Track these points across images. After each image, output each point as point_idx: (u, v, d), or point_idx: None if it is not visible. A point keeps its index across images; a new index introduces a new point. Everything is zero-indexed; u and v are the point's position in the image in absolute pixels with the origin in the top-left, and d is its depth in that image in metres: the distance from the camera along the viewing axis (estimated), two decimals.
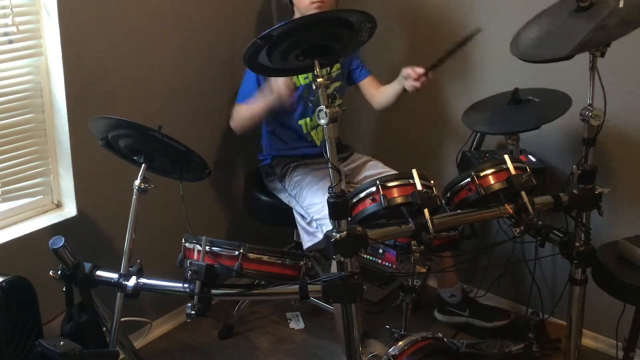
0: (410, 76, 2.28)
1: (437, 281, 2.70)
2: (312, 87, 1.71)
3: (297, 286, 1.72)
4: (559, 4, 1.98)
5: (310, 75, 2.34)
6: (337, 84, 2.54)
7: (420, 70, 2.26)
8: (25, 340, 1.89)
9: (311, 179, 2.42)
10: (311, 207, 2.33)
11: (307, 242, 2.35)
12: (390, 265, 2.96)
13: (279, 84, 2.22)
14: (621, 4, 1.76)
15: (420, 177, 1.73)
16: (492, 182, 1.81)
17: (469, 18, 2.60)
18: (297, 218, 2.42)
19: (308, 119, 2.49)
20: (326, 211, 1.65)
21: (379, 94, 2.54)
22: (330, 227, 1.66)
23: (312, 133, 2.52)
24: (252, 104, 2.36)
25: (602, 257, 2.05)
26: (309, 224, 2.35)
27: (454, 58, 2.67)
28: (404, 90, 2.36)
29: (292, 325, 2.72)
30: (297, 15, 2.40)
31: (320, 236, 2.27)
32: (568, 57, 1.77)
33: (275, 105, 2.29)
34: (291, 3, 2.40)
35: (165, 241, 2.36)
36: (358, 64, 2.60)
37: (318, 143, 2.52)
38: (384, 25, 2.76)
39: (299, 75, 2.43)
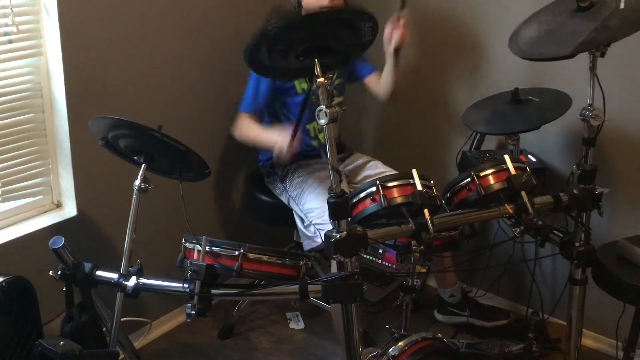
0: (387, 36, 2.30)
1: (436, 281, 2.70)
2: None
3: (297, 286, 1.72)
4: (557, 2, 1.98)
5: None
6: (337, 81, 2.53)
7: (393, 20, 2.27)
8: (25, 340, 1.88)
9: (312, 182, 2.40)
10: (310, 212, 2.32)
11: (306, 245, 2.35)
12: (390, 265, 2.96)
13: (283, 151, 2.14)
14: (622, 5, 1.76)
15: (420, 177, 1.73)
16: (492, 182, 1.81)
17: (470, 19, 2.60)
18: (297, 220, 2.40)
19: (316, 123, 2.47)
20: (326, 216, 1.64)
21: (380, 84, 2.52)
22: None
23: (320, 136, 2.51)
24: (262, 134, 2.34)
25: (602, 257, 2.04)
26: (307, 227, 2.34)
27: (455, 58, 2.70)
28: (396, 63, 2.36)
29: (292, 325, 2.72)
30: None
31: (319, 240, 2.27)
32: (569, 56, 1.77)
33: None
34: (300, 6, 2.34)
35: (165, 241, 2.35)
36: (361, 60, 2.56)
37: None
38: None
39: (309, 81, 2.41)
